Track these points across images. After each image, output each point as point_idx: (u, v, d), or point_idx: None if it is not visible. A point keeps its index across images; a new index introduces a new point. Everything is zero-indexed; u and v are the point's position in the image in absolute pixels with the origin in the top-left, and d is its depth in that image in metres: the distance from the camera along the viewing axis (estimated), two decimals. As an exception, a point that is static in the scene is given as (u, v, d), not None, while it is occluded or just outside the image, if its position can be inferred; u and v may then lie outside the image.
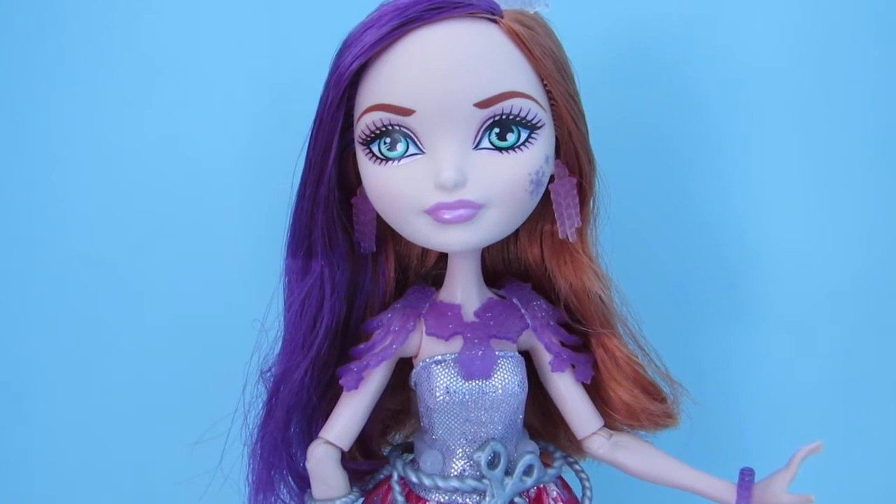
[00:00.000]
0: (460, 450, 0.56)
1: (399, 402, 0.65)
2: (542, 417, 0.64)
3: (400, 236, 0.61)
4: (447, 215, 0.50)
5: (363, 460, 0.62)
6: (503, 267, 0.63)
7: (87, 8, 0.77)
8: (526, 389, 0.57)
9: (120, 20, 0.77)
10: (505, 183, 0.51)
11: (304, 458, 0.57)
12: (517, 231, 0.60)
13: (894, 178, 0.78)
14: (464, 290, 0.58)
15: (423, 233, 0.52)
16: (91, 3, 0.77)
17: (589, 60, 0.72)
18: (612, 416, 0.60)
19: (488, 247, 0.60)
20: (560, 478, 0.61)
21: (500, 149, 0.50)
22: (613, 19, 0.75)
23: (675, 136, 0.77)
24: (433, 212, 0.51)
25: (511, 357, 0.56)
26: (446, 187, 0.50)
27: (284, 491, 0.59)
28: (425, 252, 0.62)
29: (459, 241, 0.52)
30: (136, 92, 0.77)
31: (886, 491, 0.82)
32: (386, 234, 0.59)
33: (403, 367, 0.59)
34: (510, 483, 0.55)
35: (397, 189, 0.51)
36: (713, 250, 0.78)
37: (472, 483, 0.55)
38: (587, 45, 0.70)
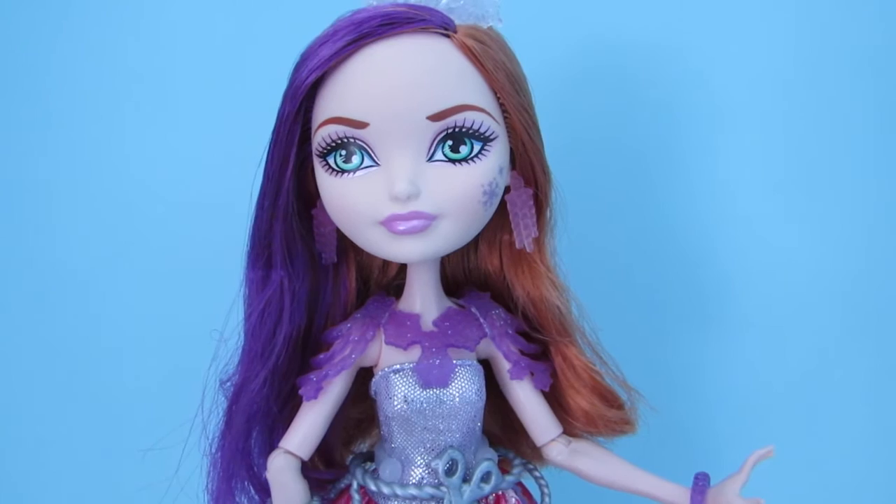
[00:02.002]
0: (419, 458, 0.57)
1: (362, 411, 0.65)
2: (503, 425, 0.65)
3: (360, 248, 0.62)
4: (401, 226, 0.51)
5: (325, 469, 0.63)
6: (463, 276, 0.64)
7: (66, 27, 0.78)
8: (483, 398, 0.57)
9: (98, 38, 0.78)
10: (458, 194, 0.51)
11: (265, 468, 0.57)
12: (476, 241, 0.61)
13: (861, 183, 0.79)
14: (422, 299, 0.58)
15: (379, 244, 0.53)
16: (70, 25, 0.78)
17: (552, 71, 0.75)
18: (570, 422, 0.61)
19: (448, 256, 0.61)
20: (520, 484, 0.62)
21: (453, 161, 0.51)
22: (576, 33, 0.77)
23: (641, 142, 0.79)
24: (387, 223, 0.51)
25: (469, 366, 0.57)
26: (400, 199, 0.51)
27: (244, 500, 0.59)
28: (387, 262, 0.63)
29: (414, 251, 0.52)
30: (102, 107, 0.78)
31: (851, 495, 0.83)
32: (347, 245, 0.60)
33: (367, 375, 0.60)
34: (468, 490, 0.56)
35: (353, 200, 0.52)
36: (682, 256, 0.80)
37: (429, 490, 0.56)
38: (548, 57, 0.72)
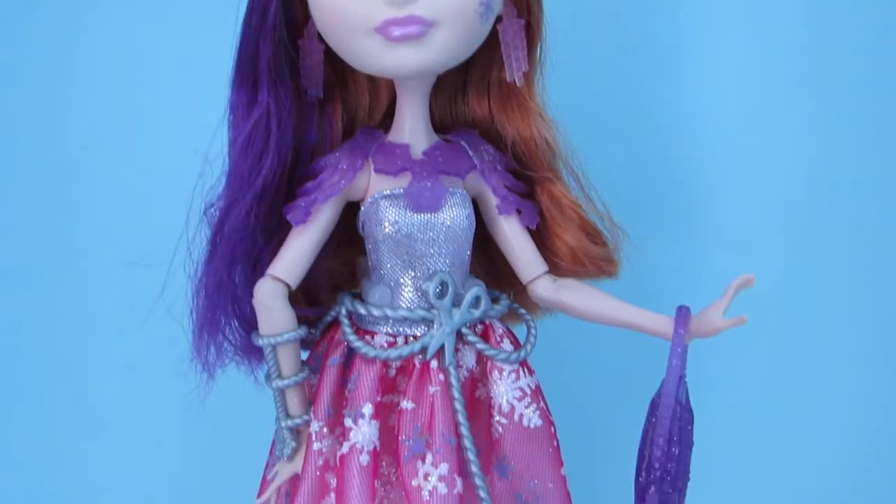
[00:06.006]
0: (409, 282, 0.57)
1: (343, 262, 0.65)
2: (488, 268, 0.65)
3: (348, 85, 0.61)
4: (396, 32, 0.50)
5: (308, 307, 0.62)
6: (451, 121, 0.63)
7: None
8: (473, 225, 0.57)
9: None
10: (456, 1, 0.51)
11: (251, 298, 0.56)
12: (465, 86, 0.61)
13: (840, 108, 0.81)
14: (412, 129, 0.58)
15: (373, 54, 0.52)
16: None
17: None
18: (556, 262, 0.61)
19: (436, 97, 0.61)
20: (508, 329, 0.62)
21: None
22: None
23: (629, 59, 0.79)
24: (382, 29, 0.50)
25: (459, 193, 0.57)
26: (396, 2, 0.50)
27: (228, 332, 0.58)
28: (373, 104, 0.62)
29: (409, 61, 0.51)
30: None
31: (818, 421, 0.85)
32: (333, 83, 0.59)
33: (351, 220, 0.59)
34: (458, 314, 0.56)
35: (345, 5, 0.51)
36: (663, 167, 0.80)
37: (420, 313, 0.56)
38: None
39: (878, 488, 0.84)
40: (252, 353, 0.60)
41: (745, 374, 0.84)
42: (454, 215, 0.56)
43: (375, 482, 0.55)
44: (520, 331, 0.63)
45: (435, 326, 0.56)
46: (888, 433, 0.85)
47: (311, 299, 0.62)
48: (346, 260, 0.64)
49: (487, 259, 0.64)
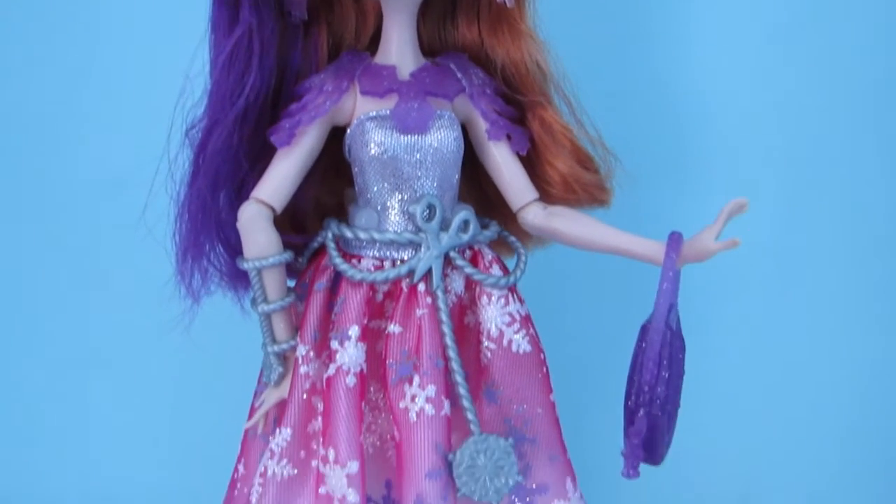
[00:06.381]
0: (396, 206, 0.56)
1: (330, 192, 0.63)
2: (479, 200, 0.64)
3: (333, 7, 0.59)
4: None
5: (295, 234, 0.61)
6: (440, 47, 0.62)
7: None
8: (462, 148, 0.56)
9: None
10: None
11: (236, 223, 0.55)
12: (454, 9, 0.60)
13: (845, 48, 0.79)
14: (399, 51, 0.56)
15: None
16: None
17: None
18: (547, 191, 0.60)
19: (425, 20, 0.59)
20: (497, 257, 0.61)
21: None
22: None
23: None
24: None
25: (447, 115, 0.56)
26: None
27: (213, 257, 0.57)
28: (359, 27, 0.61)
29: None
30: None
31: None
32: (318, 6, 0.57)
33: (335, 150, 0.57)
34: (446, 237, 0.55)
35: None
36: (660, 94, 0.78)
37: (408, 236, 0.55)
38: None
39: (874, 420, 0.85)
40: (238, 279, 0.59)
41: (740, 306, 0.83)
42: (442, 137, 0.55)
43: (363, 405, 0.54)
44: (510, 264, 0.62)
45: (422, 250, 0.55)
46: (884, 366, 0.84)
47: (297, 226, 0.61)
48: (333, 190, 0.63)
49: (477, 187, 0.63)
